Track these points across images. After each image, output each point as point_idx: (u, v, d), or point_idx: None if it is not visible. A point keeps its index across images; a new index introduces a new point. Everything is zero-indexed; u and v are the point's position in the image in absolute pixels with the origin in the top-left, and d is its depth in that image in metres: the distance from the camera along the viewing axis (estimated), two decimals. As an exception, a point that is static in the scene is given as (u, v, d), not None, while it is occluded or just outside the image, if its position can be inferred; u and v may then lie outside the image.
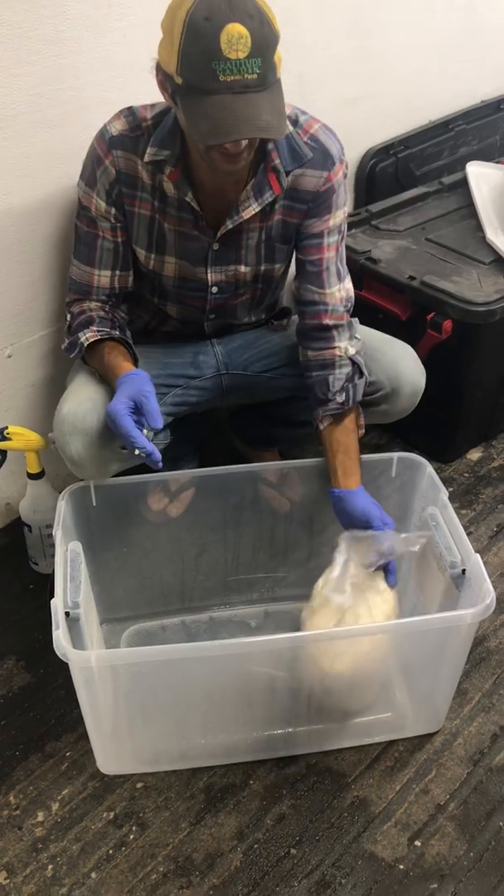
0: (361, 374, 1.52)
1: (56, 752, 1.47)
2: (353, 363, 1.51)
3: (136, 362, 1.48)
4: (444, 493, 1.49)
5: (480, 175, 2.20)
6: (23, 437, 1.61)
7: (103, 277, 1.51)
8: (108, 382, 1.46)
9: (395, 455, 1.59)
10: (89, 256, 1.50)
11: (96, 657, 1.26)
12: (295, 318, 1.61)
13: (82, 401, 1.45)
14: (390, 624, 1.48)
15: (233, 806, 1.40)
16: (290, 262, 1.58)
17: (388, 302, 1.94)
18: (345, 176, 1.48)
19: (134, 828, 1.37)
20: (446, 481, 1.97)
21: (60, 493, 1.49)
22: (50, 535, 1.49)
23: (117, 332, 1.49)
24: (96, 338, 1.46)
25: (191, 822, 1.38)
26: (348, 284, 1.54)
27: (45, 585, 1.67)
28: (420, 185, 2.25)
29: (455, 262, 1.97)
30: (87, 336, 1.46)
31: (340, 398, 1.49)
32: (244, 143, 1.27)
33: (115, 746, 1.44)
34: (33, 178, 1.57)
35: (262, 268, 1.54)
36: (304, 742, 1.47)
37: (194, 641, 1.62)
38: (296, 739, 1.47)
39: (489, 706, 1.54)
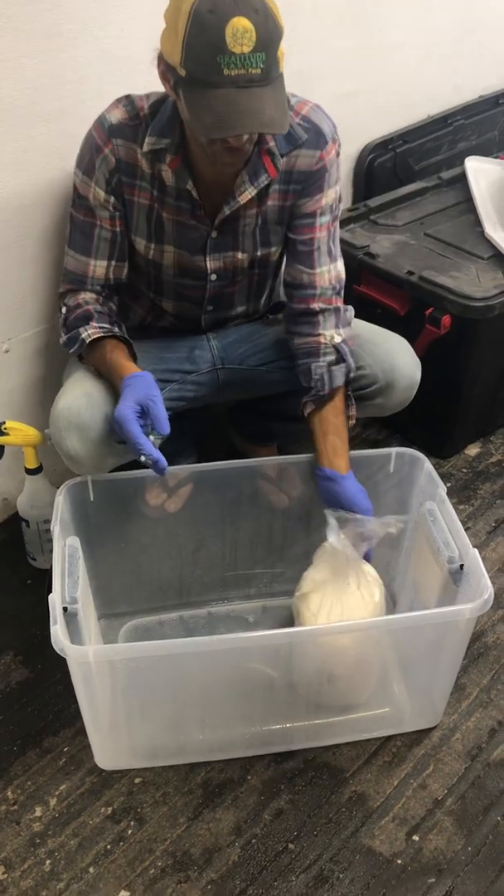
0: (342, 360, 1.51)
1: (54, 747, 1.47)
2: (337, 351, 1.51)
3: (135, 360, 1.47)
4: (442, 489, 1.49)
5: (479, 170, 2.20)
6: (20, 433, 1.61)
7: (99, 268, 1.50)
8: (108, 380, 1.46)
9: (394, 450, 1.59)
10: (85, 246, 1.49)
11: (94, 652, 1.26)
12: None
13: (78, 396, 1.45)
14: (389, 619, 1.49)
15: (231, 801, 1.40)
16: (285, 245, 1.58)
17: (386, 297, 1.94)
18: (337, 155, 1.48)
19: (132, 823, 1.37)
20: (444, 477, 1.97)
21: (58, 488, 1.49)
22: (48, 531, 1.49)
23: (117, 329, 1.48)
24: (98, 335, 1.45)
25: (189, 817, 1.38)
26: (340, 267, 1.54)
27: (43, 581, 1.66)
28: (419, 180, 2.24)
29: (454, 257, 1.97)
30: (90, 332, 1.45)
31: (318, 385, 1.50)
32: (246, 136, 1.27)
33: (112, 741, 1.44)
34: (30, 173, 1.56)
35: (259, 253, 1.54)
36: (302, 737, 1.47)
37: (192, 637, 1.62)
38: (294, 734, 1.47)
39: (487, 701, 1.54)
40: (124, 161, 1.42)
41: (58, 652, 1.22)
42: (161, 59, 1.27)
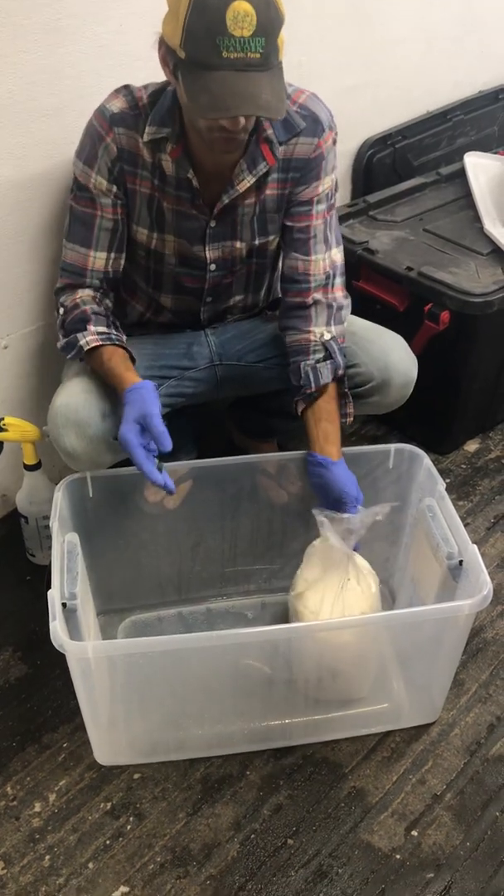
0: (329, 357, 1.50)
1: (53, 742, 1.48)
2: (326, 349, 1.51)
3: (133, 361, 1.47)
4: (441, 485, 1.49)
5: (478, 165, 2.20)
6: (19, 429, 1.61)
7: (98, 259, 1.49)
8: (108, 385, 1.45)
9: (393, 447, 1.59)
10: (85, 237, 1.48)
11: (93, 648, 1.26)
12: None
13: (76, 393, 1.45)
14: (388, 615, 1.49)
15: (230, 796, 1.40)
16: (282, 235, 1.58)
17: (385, 293, 1.94)
18: (334, 143, 1.49)
19: (131, 818, 1.37)
20: (443, 472, 1.97)
21: (57, 484, 1.49)
22: (47, 527, 1.49)
23: (115, 333, 1.47)
24: (96, 343, 1.43)
25: (188, 813, 1.38)
26: (336, 255, 1.54)
27: (42, 577, 1.66)
28: (418, 176, 2.24)
29: (453, 252, 1.96)
30: (88, 340, 1.43)
31: (306, 383, 1.50)
32: (242, 121, 1.27)
33: (111, 737, 1.44)
34: (29, 168, 1.56)
35: (257, 242, 1.54)
36: (301, 733, 1.47)
37: (191, 633, 1.62)
38: (293, 730, 1.47)
39: (486, 697, 1.54)
40: (126, 150, 1.42)
41: (57, 648, 1.22)
42: (162, 43, 1.28)
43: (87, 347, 1.43)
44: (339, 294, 1.55)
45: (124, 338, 1.49)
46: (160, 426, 1.33)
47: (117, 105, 1.41)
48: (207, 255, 1.52)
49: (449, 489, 1.52)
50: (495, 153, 2.28)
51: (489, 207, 2.09)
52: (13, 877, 1.30)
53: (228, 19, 1.17)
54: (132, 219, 1.49)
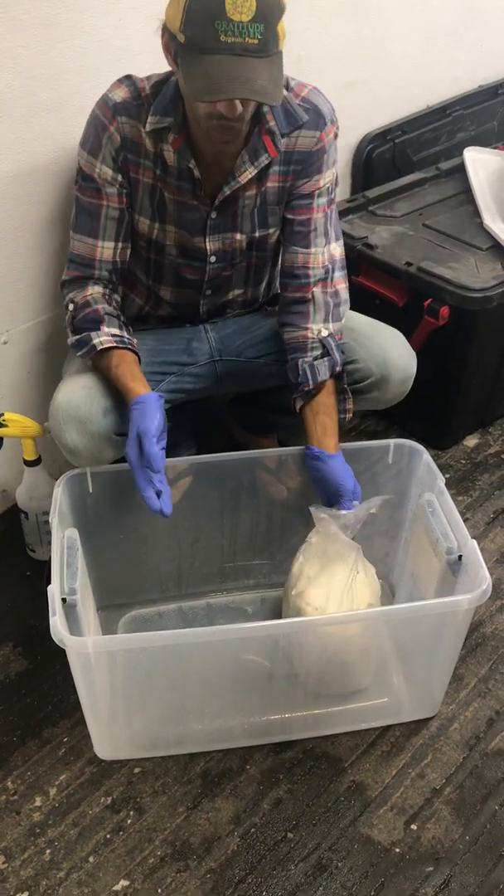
0: (327, 354, 1.51)
1: (53, 737, 1.48)
2: (323, 346, 1.51)
3: (139, 360, 1.47)
4: (440, 480, 1.49)
5: (478, 160, 2.19)
6: (19, 424, 1.61)
7: (106, 250, 1.49)
8: (113, 387, 1.45)
9: (392, 442, 1.59)
10: (92, 228, 1.48)
11: (93, 643, 1.26)
12: None
13: (77, 389, 1.45)
14: (388, 610, 1.49)
15: (230, 790, 1.40)
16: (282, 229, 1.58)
17: (384, 288, 1.93)
18: (336, 136, 1.49)
19: (131, 812, 1.38)
20: (443, 468, 1.97)
21: (57, 480, 1.49)
22: (47, 522, 1.49)
23: (127, 337, 1.46)
24: (110, 345, 1.44)
25: (188, 807, 1.38)
26: (335, 250, 1.54)
27: (42, 572, 1.67)
28: (417, 171, 2.24)
29: (452, 247, 1.96)
30: (101, 340, 1.43)
31: (304, 380, 1.50)
32: (239, 108, 1.27)
33: (112, 732, 1.45)
34: (28, 163, 1.56)
35: (257, 234, 1.54)
36: (301, 727, 1.48)
37: (191, 627, 1.62)
38: (292, 724, 1.48)
39: (485, 691, 1.55)
40: (129, 139, 1.42)
41: (57, 643, 1.22)
42: (165, 30, 1.28)
43: (101, 347, 1.43)
44: (340, 287, 1.55)
45: (135, 341, 1.49)
46: (152, 447, 1.33)
47: (120, 94, 1.41)
48: (208, 247, 1.52)
49: (448, 484, 1.52)
50: (495, 148, 2.28)
51: (489, 202, 2.09)
52: (14, 871, 1.30)
53: (228, 4, 1.17)
54: (134, 208, 1.49)
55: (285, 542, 1.68)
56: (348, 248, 1.75)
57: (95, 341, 1.44)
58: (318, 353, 1.51)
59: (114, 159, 1.43)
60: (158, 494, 1.34)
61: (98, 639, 1.41)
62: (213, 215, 1.48)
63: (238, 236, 1.52)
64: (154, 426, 1.35)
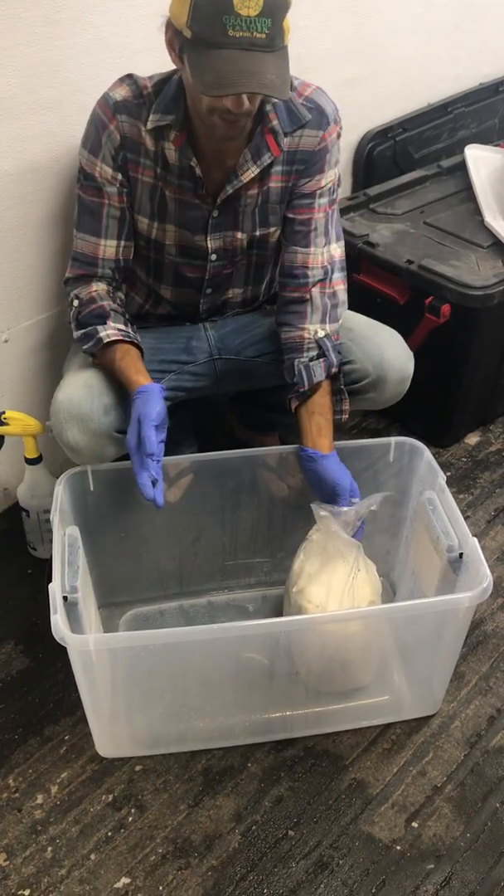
0: (323, 355, 1.50)
1: (55, 735, 1.48)
2: (319, 346, 1.51)
3: (142, 355, 1.48)
4: (441, 478, 1.49)
5: (479, 158, 2.19)
6: (20, 422, 1.61)
7: (109, 248, 1.49)
8: (111, 379, 1.46)
9: (393, 440, 1.59)
10: (94, 226, 1.48)
11: (94, 641, 1.26)
12: None
13: (78, 387, 1.45)
14: (389, 608, 1.49)
15: (231, 788, 1.41)
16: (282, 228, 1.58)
17: (385, 286, 1.93)
18: (338, 136, 1.49)
19: (133, 810, 1.38)
20: (444, 466, 1.97)
21: (58, 478, 1.49)
22: (48, 521, 1.49)
23: (132, 333, 1.47)
24: (116, 338, 1.44)
25: (189, 805, 1.38)
26: (335, 251, 1.54)
27: (44, 570, 1.67)
28: (418, 169, 2.24)
29: (453, 245, 1.96)
30: (108, 333, 1.44)
31: (299, 381, 1.50)
32: (246, 103, 1.27)
33: (113, 729, 1.45)
34: (28, 161, 1.56)
35: (258, 233, 1.54)
36: (302, 725, 1.48)
37: (192, 625, 1.62)
38: (294, 722, 1.48)
39: (486, 689, 1.55)
40: (129, 138, 1.42)
41: (58, 641, 1.22)
42: (169, 26, 1.28)
43: (107, 340, 1.44)
44: (339, 288, 1.55)
45: (139, 337, 1.49)
46: (149, 430, 1.33)
47: (121, 93, 1.41)
48: (209, 245, 1.52)
49: (449, 482, 1.52)
50: (496, 146, 2.27)
51: (490, 200, 2.09)
52: (15, 868, 1.31)
53: None
54: (134, 208, 1.49)
55: (286, 540, 1.68)
56: (349, 246, 1.75)
57: (102, 334, 1.44)
58: (314, 353, 1.51)
59: (113, 158, 1.43)
60: (154, 483, 1.33)
61: (99, 637, 1.42)
62: (215, 214, 1.48)
63: (239, 235, 1.52)
64: (154, 412, 1.35)
